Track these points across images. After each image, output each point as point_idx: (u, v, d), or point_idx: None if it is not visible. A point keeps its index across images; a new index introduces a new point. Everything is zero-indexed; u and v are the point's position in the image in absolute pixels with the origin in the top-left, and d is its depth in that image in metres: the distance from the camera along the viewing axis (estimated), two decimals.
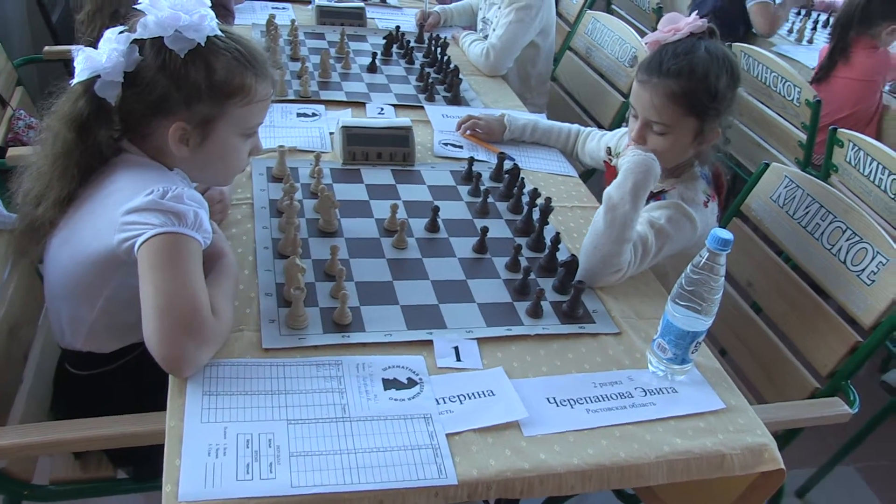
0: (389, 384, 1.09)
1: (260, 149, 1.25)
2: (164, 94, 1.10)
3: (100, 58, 1.08)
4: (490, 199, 1.56)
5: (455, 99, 2.03)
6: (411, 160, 1.68)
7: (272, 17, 2.26)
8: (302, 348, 1.14)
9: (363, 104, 1.93)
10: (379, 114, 1.90)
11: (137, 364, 1.23)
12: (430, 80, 2.06)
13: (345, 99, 1.94)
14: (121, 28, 1.12)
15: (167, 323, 0.99)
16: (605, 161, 1.74)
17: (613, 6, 3.60)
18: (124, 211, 1.06)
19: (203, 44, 1.09)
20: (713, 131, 1.43)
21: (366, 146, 1.66)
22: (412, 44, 2.33)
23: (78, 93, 1.11)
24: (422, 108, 1.97)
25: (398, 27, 2.37)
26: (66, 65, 2.45)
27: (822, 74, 2.67)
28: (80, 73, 1.10)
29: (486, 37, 2.43)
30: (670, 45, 1.41)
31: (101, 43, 1.10)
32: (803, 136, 2.43)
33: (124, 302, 1.15)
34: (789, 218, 1.68)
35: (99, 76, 1.08)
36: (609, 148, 1.74)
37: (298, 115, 1.82)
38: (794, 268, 1.69)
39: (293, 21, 2.31)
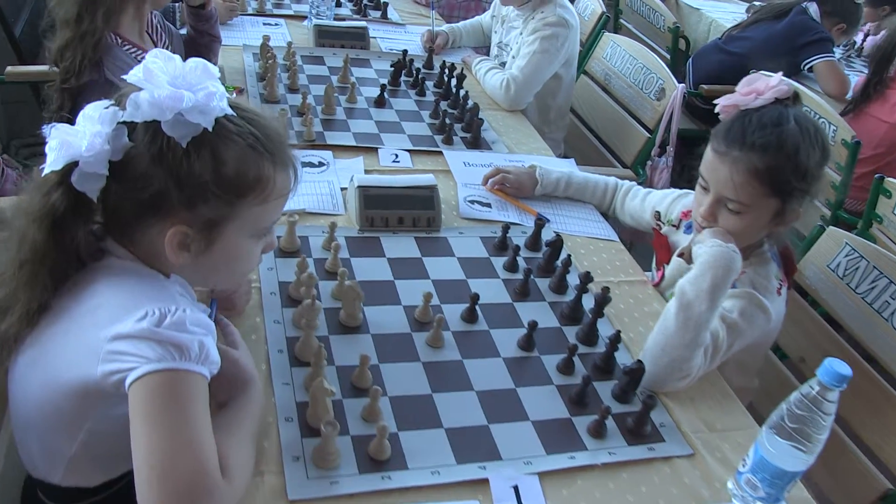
0: None
1: (274, 245, 1.04)
2: (161, 191, 0.88)
3: (78, 141, 0.85)
4: (531, 276, 1.37)
5: (475, 141, 1.83)
6: (437, 225, 1.48)
7: (266, 39, 2.02)
8: (335, 497, 0.94)
9: (375, 149, 1.72)
10: (394, 162, 1.69)
11: (129, 492, 1.02)
12: (447, 120, 1.85)
13: (354, 143, 1.72)
14: (106, 102, 0.89)
15: (166, 489, 0.78)
16: (653, 228, 1.56)
17: (622, 21, 3.40)
18: (110, 336, 0.84)
19: (210, 129, 0.88)
20: (794, 212, 1.26)
21: (385, 210, 1.45)
22: (422, 71, 2.11)
23: (51, 183, 0.88)
24: (440, 152, 1.76)
25: (405, 52, 2.15)
26: (34, 88, 2.19)
27: (853, 108, 2.51)
28: (54, 161, 0.86)
29: (502, 64, 2.23)
30: (754, 112, 1.22)
31: (80, 119, 0.88)
32: (836, 177, 2.28)
33: (112, 434, 0.93)
34: (851, 291, 1.52)
35: (77, 163, 0.86)
36: (658, 213, 1.56)
37: (304, 164, 1.60)
38: (856, 345, 1.53)
39: (290, 44, 2.07)
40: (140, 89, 0.87)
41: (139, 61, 1.60)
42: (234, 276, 1.05)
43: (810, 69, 2.86)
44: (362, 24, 2.28)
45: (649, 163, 2.24)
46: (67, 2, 1.47)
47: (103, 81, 1.51)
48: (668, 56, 3.11)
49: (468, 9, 2.92)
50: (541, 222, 1.50)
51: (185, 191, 0.88)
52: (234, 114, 0.91)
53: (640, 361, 1.16)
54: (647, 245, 1.60)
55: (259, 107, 1.03)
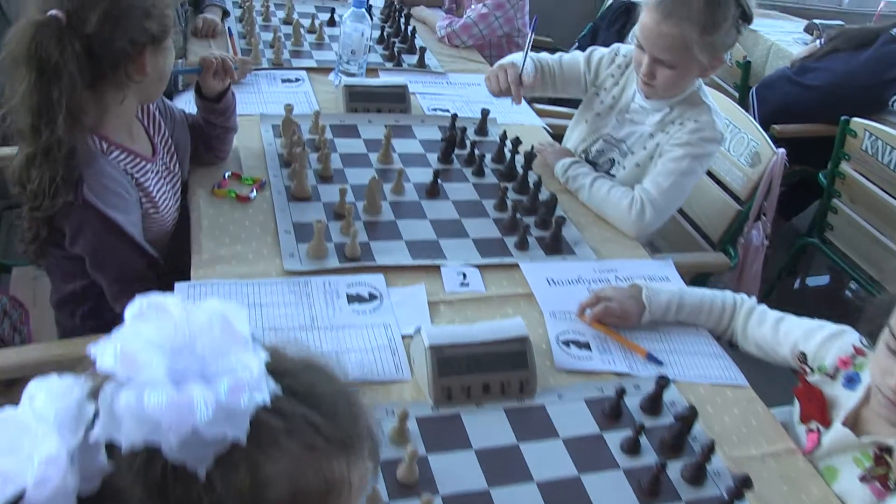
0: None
1: None
2: None
3: (19, 468, 0.51)
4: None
5: (555, 246, 1.48)
6: (531, 391, 1.14)
7: (289, 111, 1.67)
8: None
9: (437, 268, 1.37)
10: (462, 286, 1.34)
11: None
12: (518, 215, 1.50)
13: (410, 261, 1.37)
14: (70, 381, 0.56)
15: None
16: (796, 372, 1.23)
17: None
18: None
19: (244, 438, 0.54)
20: None
21: (465, 375, 1.11)
22: (476, 142, 1.76)
23: None
24: (515, 265, 1.42)
25: (455, 118, 1.78)
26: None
27: None
28: None
29: (609, 163, 1.73)
30: None
31: (26, 411, 0.54)
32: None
33: None
34: None
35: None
36: (803, 354, 1.22)
37: (350, 298, 1.27)
38: None
39: (317, 115, 1.72)
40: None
41: (131, 173, 1.30)
42: None
43: None
44: (400, 81, 1.92)
45: (741, 241, 1.90)
46: (21, 109, 1.14)
47: (80, 206, 1.18)
48: (737, 94, 2.75)
49: (500, 46, 2.55)
50: (663, 382, 1.16)
51: None
52: (279, 392, 0.57)
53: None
54: None
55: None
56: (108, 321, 1.31)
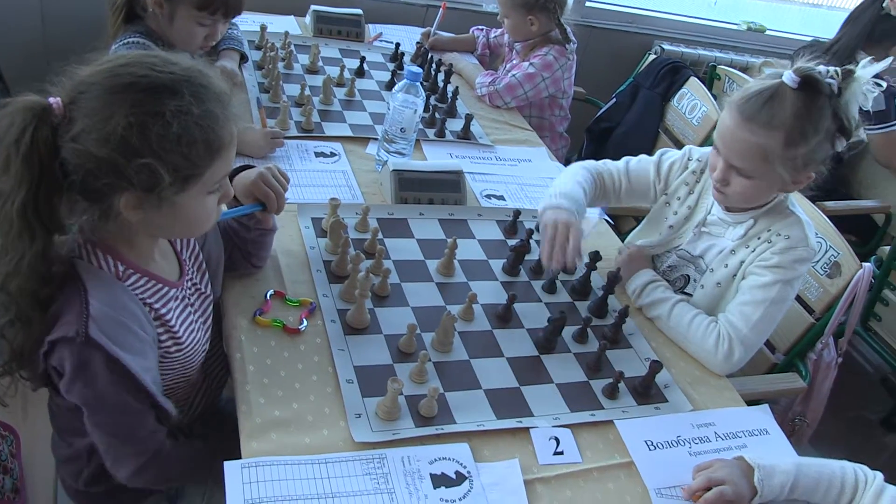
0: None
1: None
2: None
3: None
4: None
5: (646, 392, 1.30)
6: None
7: (335, 207, 1.45)
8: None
9: (526, 430, 1.18)
10: (555, 454, 1.15)
11: None
12: (606, 357, 1.32)
13: (496, 423, 1.16)
14: None
15: None
16: None
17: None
18: None
19: None
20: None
21: None
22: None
23: None
24: (609, 422, 1.24)
25: (517, 216, 1.58)
26: None
27: None
28: None
29: (683, 280, 1.56)
30: None
31: None
32: None
33: None
34: None
35: None
36: None
37: None
38: None
39: (366, 211, 1.49)
40: None
41: (150, 304, 1.09)
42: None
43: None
44: (454, 165, 1.70)
45: (812, 356, 1.75)
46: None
47: (83, 342, 0.94)
48: None
49: (542, 107, 2.36)
50: None
51: None
52: None
53: None
54: None
55: None
56: (115, 487, 1.08)
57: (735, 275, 1.47)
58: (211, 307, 1.24)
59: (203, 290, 1.21)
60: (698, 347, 1.42)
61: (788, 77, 1.29)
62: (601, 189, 1.62)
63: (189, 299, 1.16)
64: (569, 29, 2.27)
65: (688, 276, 1.56)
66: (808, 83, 1.28)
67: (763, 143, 1.30)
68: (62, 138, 0.93)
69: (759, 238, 1.45)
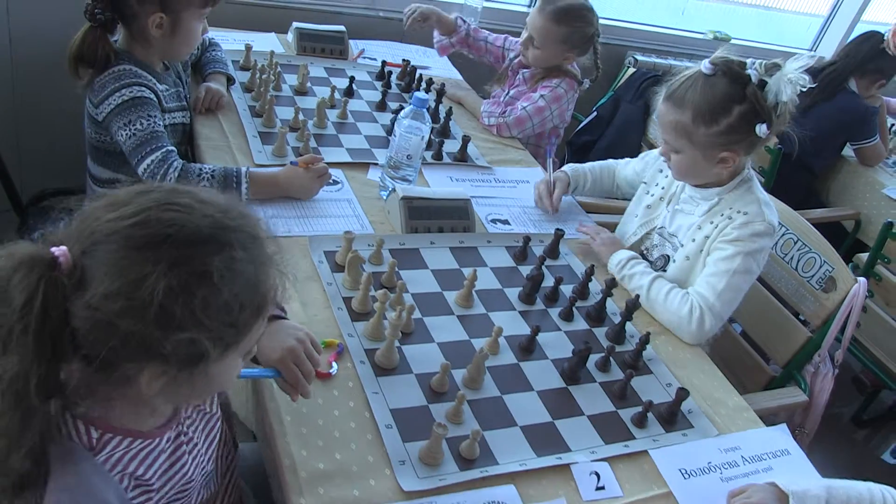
0: None
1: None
2: None
3: None
4: None
5: (672, 419, 1.32)
6: None
7: (349, 241, 1.42)
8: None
9: (566, 466, 1.18)
10: (597, 489, 1.16)
11: None
12: (632, 388, 1.33)
13: (537, 461, 1.16)
14: None
15: None
16: None
17: None
18: None
19: None
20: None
21: None
22: (560, 283, 1.54)
23: None
24: (643, 452, 1.25)
25: (527, 242, 1.58)
26: None
27: None
28: None
29: (664, 259, 1.67)
30: None
31: None
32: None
33: None
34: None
35: None
36: None
37: None
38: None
39: (380, 244, 1.47)
40: None
41: (129, 472, 0.87)
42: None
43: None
44: (461, 192, 1.68)
45: (810, 369, 1.81)
46: None
47: None
48: (764, 179, 2.69)
49: (542, 135, 2.31)
50: None
51: None
52: None
53: None
54: None
55: None
56: None
57: (702, 250, 1.59)
58: (219, 423, 1.04)
59: (207, 409, 1.01)
60: (673, 316, 1.54)
61: (704, 65, 1.47)
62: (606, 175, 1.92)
63: (186, 434, 0.95)
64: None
65: (667, 255, 1.68)
66: (724, 72, 1.44)
67: (676, 120, 1.48)
68: (72, 302, 0.74)
69: (721, 215, 1.58)
